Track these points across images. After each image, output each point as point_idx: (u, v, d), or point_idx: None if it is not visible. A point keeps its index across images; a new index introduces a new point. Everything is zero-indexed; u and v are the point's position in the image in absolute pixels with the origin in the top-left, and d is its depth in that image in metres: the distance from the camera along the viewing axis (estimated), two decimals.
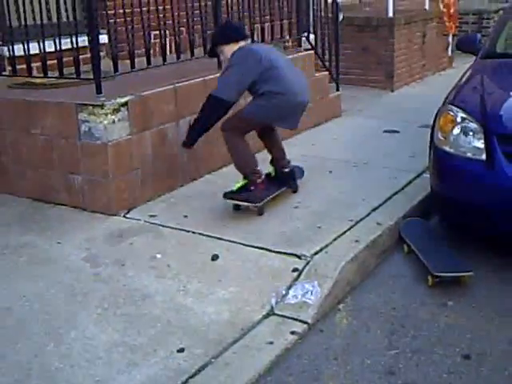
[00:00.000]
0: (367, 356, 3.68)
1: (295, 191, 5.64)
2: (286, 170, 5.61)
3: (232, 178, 5.36)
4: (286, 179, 5.60)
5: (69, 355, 3.56)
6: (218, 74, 6.15)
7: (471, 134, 4.77)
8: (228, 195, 5.21)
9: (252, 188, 5.20)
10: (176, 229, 4.92)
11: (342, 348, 3.77)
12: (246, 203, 5.19)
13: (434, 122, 5.11)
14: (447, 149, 4.83)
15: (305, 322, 3.89)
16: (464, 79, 5.64)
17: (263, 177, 5.33)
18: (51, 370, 3.44)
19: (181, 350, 3.59)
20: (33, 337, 3.72)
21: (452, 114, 4.95)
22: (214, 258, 4.51)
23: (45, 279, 4.32)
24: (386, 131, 7.58)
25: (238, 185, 5.24)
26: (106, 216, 5.15)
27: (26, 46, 5.65)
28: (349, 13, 10.01)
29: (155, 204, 5.39)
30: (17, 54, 5.83)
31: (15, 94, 5.81)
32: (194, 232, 4.90)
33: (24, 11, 5.58)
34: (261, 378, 3.46)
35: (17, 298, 4.11)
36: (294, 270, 4.34)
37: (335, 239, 4.73)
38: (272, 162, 5.66)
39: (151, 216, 5.18)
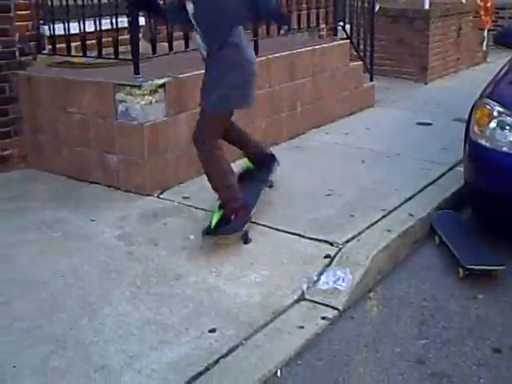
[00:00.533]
0: (397, 344, 3.69)
1: (271, 186, 5.31)
2: (269, 151, 5.35)
3: None
4: (269, 162, 5.24)
5: (102, 330, 3.61)
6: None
7: (508, 128, 4.75)
8: (208, 233, 4.47)
9: (233, 218, 4.56)
10: (209, 211, 4.94)
11: (372, 335, 3.78)
12: (229, 236, 4.56)
13: (470, 115, 5.09)
14: (483, 142, 4.81)
15: (335, 309, 3.90)
16: (502, 73, 5.59)
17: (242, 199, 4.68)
18: (85, 343, 3.50)
19: (212, 331, 3.62)
20: (67, 310, 3.78)
21: (489, 107, 4.92)
22: (247, 241, 4.54)
23: (79, 255, 4.38)
24: (418, 123, 7.55)
25: (216, 219, 4.54)
26: (139, 196, 5.20)
27: (66, 26, 5.72)
28: (384, 3, 9.95)
29: (188, 186, 5.43)
30: (57, 33, 5.90)
31: (54, 72, 5.88)
32: None
33: None
34: (291, 361, 3.49)
35: (52, 273, 4.18)
36: (326, 256, 4.35)
37: (367, 228, 4.73)
38: (249, 157, 5.29)
39: (184, 198, 5.22)
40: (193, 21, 4.48)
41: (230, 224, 4.52)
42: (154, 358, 3.39)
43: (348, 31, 8.18)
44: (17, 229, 4.77)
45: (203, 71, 5.64)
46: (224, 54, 4.44)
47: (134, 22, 5.21)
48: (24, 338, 3.52)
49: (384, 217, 4.93)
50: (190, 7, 4.43)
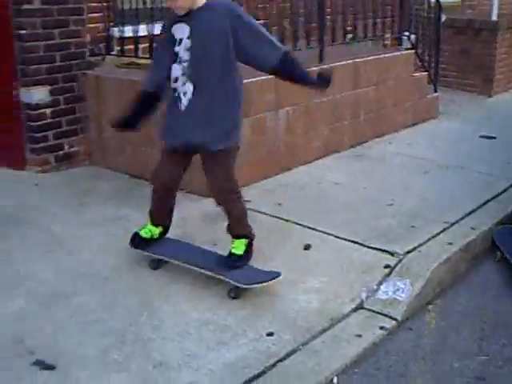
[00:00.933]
0: (456, 359, 3.64)
1: None
2: None
3: (326, 169, 5.35)
4: None
5: (160, 327, 3.65)
6: (320, 66, 6.23)
7: None
8: (236, 264, 4.13)
9: (250, 247, 4.27)
10: (269, 215, 4.97)
11: (430, 348, 3.75)
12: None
13: None
14: None
15: (394, 319, 3.87)
16: None
17: None
18: (143, 339, 3.54)
19: (270, 334, 3.63)
20: (128, 306, 3.84)
21: None
22: (307, 247, 4.55)
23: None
24: (482, 136, 7.46)
25: (242, 248, 4.19)
26: (201, 197, 5.24)
27: (134, 28, 5.82)
28: (451, 14, 9.86)
29: (250, 190, 5.45)
30: (126, 35, 6.01)
31: (121, 73, 5.99)
32: (287, 220, 4.95)
33: None
34: (347, 369, 3.47)
35: (113, 268, 4.25)
36: (386, 266, 4.33)
37: (429, 239, 4.70)
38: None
39: (246, 201, 5.17)
40: (185, 56, 3.85)
41: (249, 252, 4.23)
42: (212, 358, 3.41)
43: (413, 41, 8.12)
44: (81, 224, 4.86)
45: (268, 77, 5.70)
46: (231, 82, 3.94)
47: None
48: (86, 331, 3.60)
49: (445, 229, 4.89)
50: (184, 43, 3.85)
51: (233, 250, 4.15)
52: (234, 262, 4.11)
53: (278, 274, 4.03)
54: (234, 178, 4.09)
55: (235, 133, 4.04)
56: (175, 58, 3.88)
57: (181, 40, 3.85)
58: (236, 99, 4.02)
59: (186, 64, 3.86)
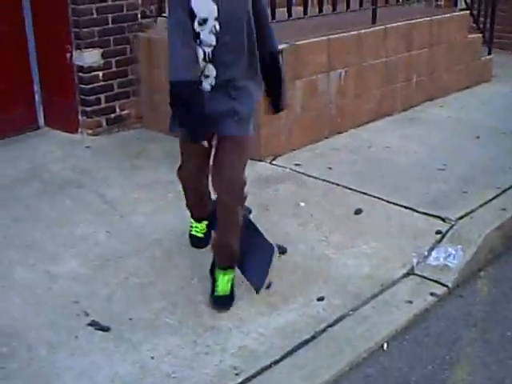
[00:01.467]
0: (507, 328, 3.60)
1: None
2: None
3: (377, 133, 5.29)
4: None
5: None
6: (372, 29, 6.16)
7: None
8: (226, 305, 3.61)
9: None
10: (320, 179, 4.96)
11: (481, 316, 3.72)
12: None
13: None
14: None
15: (445, 285, 3.85)
16: None
17: None
18: (195, 303, 3.59)
19: (320, 299, 3.65)
20: (179, 269, 3.89)
21: None
22: (358, 211, 4.54)
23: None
24: None
25: (229, 286, 3.65)
26: (252, 161, 5.20)
27: None
28: None
29: (301, 153, 5.45)
30: None
31: None
32: (338, 184, 4.93)
33: None
34: (398, 335, 3.47)
35: (165, 232, 4.30)
36: (437, 232, 4.30)
37: (481, 205, 4.65)
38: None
39: (296, 165, 5.24)
40: (208, 41, 3.30)
41: None
42: (262, 323, 3.45)
43: (468, 1, 7.94)
44: (132, 187, 4.91)
45: (320, 38, 5.65)
46: (254, 65, 3.48)
47: None
48: (138, 293, 3.66)
49: (498, 195, 4.83)
50: (209, 24, 3.26)
51: (217, 292, 3.61)
52: (222, 305, 3.59)
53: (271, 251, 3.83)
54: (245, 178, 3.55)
55: (253, 124, 3.58)
56: (192, 36, 3.26)
57: (205, 20, 3.23)
58: (260, 89, 3.58)
59: (209, 50, 3.30)
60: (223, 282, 3.60)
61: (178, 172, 3.82)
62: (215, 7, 3.22)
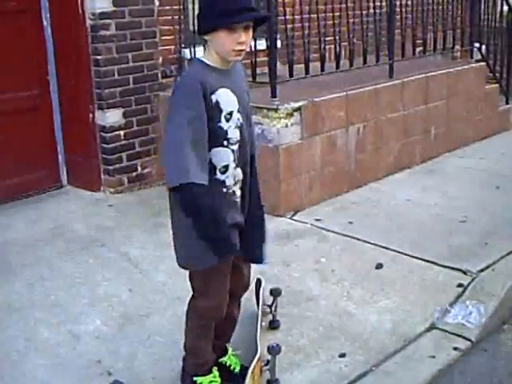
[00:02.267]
0: None
1: None
2: None
3: (397, 185, 5.30)
4: None
5: (233, 347, 3.68)
6: (389, 83, 6.22)
7: None
8: None
9: None
10: (341, 234, 4.98)
11: (507, 371, 3.67)
12: None
13: None
14: None
15: (468, 340, 3.81)
16: None
17: None
18: None
19: (342, 355, 3.63)
20: None
21: None
22: (379, 266, 4.55)
23: None
24: None
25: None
26: (273, 217, 5.28)
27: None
28: None
29: (321, 208, 5.48)
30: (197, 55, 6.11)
31: None
32: (358, 239, 4.95)
33: None
34: None
35: (187, 289, 4.25)
36: (459, 285, 4.29)
37: (503, 257, 4.63)
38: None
39: (317, 220, 5.27)
40: (235, 136, 2.89)
41: None
42: (285, 379, 3.42)
43: (484, 52, 8.02)
44: (154, 245, 4.95)
45: (338, 94, 5.72)
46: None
47: (272, 45, 5.32)
48: (162, 352, 3.66)
49: None
50: (234, 118, 2.86)
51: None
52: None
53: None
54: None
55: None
56: (221, 138, 2.83)
57: (230, 114, 2.84)
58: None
59: (235, 147, 2.89)
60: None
61: (195, 306, 3.16)
62: (235, 98, 2.86)
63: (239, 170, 2.95)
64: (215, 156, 2.83)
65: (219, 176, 2.87)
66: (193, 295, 3.18)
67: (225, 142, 2.84)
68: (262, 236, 3.21)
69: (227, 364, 3.40)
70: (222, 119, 2.80)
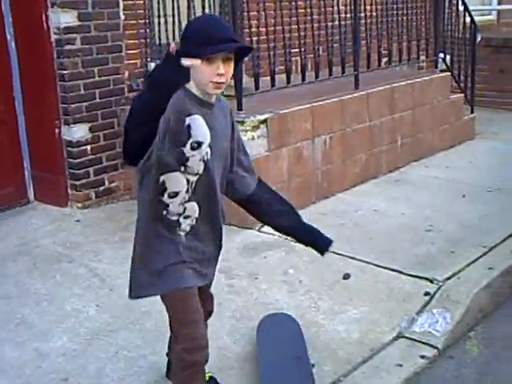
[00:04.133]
0: None
1: None
2: None
3: (364, 196, 5.33)
4: None
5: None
6: (355, 94, 6.27)
7: None
8: None
9: None
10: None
11: (472, 377, 3.72)
12: None
13: None
14: None
15: (435, 347, 3.85)
16: None
17: None
18: None
19: (311, 366, 3.65)
20: None
21: None
22: (346, 276, 4.57)
23: None
24: None
25: None
26: (240, 229, 5.29)
27: None
28: (486, 33, 9.83)
29: None
30: None
31: None
32: None
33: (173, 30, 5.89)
34: None
35: (154, 303, 4.27)
36: (426, 293, 4.33)
37: (468, 265, 4.68)
38: None
39: None
40: (197, 169, 2.78)
41: None
42: None
43: (448, 62, 8.12)
44: (121, 260, 4.91)
45: (304, 106, 5.75)
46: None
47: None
48: (130, 367, 3.64)
49: (485, 254, 4.87)
50: (202, 150, 2.75)
51: None
52: None
53: None
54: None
55: None
56: (180, 163, 2.74)
57: (199, 144, 2.74)
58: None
59: (193, 178, 2.79)
60: None
61: (192, 354, 2.87)
62: (208, 132, 2.76)
63: (194, 205, 2.83)
64: (169, 180, 2.75)
65: (165, 198, 2.78)
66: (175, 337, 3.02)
67: (182, 168, 2.74)
68: (308, 225, 3.48)
69: None
70: (187, 145, 2.71)
